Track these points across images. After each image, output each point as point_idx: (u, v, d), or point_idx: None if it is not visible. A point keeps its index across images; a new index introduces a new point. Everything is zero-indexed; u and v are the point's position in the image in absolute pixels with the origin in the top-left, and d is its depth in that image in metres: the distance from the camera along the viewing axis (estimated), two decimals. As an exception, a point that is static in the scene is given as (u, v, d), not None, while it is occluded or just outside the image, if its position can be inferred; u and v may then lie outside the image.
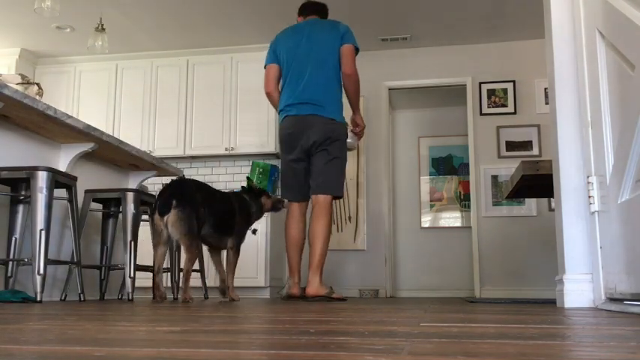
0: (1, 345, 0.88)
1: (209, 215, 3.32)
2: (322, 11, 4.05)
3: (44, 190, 3.03)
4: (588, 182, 2.52)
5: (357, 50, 3.82)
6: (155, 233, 3.23)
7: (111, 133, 5.82)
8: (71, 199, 3.40)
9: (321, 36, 3.81)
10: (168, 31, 6.27)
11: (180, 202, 3.15)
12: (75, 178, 3.43)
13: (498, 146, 6.32)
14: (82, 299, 3.45)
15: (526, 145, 6.27)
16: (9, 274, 3.23)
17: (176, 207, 3.13)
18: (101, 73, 6.81)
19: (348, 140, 3.90)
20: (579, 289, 2.53)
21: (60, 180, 3.22)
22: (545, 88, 5.95)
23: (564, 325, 1.34)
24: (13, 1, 5.57)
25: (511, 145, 6.30)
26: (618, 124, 2.23)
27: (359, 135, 4.03)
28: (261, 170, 6.21)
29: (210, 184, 3.61)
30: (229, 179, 6.57)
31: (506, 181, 5.81)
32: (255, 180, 6.20)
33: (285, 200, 3.90)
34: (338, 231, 6.40)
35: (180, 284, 3.45)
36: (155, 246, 3.28)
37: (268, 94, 3.95)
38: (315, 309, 2.23)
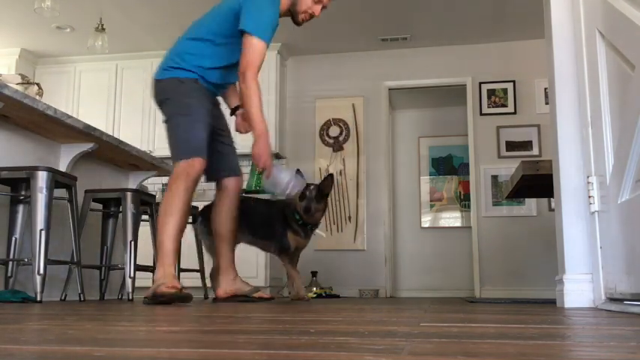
0: (1, 345, 0.88)
1: (244, 226, 3.45)
2: None
3: (44, 190, 3.03)
4: (588, 182, 2.52)
5: (265, 43, 2.90)
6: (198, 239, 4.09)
7: (111, 133, 5.80)
8: (71, 199, 3.39)
9: (221, 6, 3.10)
10: (168, 31, 6.25)
11: (202, 216, 3.59)
12: (75, 178, 3.42)
13: (498, 146, 6.32)
14: (82, 299, 3.45)
15: (526, 145, 6.27)
16: (9, 274, 3.23)
17: (199, 220, 3.67)
18: (101, 73, 6.81)
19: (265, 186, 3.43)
20: (579, 289, 2.52)
21: (60, 180, 3.22)
22: (545, 88, 5.95)
23: (564, 325, 1.34)
24: (13, 1, 5.57)
25: (511, 145, 6.30)
26: (618, 124, 2.23)
27: (263, 168, 3.27)
28: (260, 170, 6.18)
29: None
30: (229, 179, 6.55)
31: (506, 181, 5.81)
32: (254, 180, 6.18)
33: (310, 185, 3.63)
34: (338, 231, 6.40)
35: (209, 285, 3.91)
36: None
37: None
38: (314, 309, 2.23)
